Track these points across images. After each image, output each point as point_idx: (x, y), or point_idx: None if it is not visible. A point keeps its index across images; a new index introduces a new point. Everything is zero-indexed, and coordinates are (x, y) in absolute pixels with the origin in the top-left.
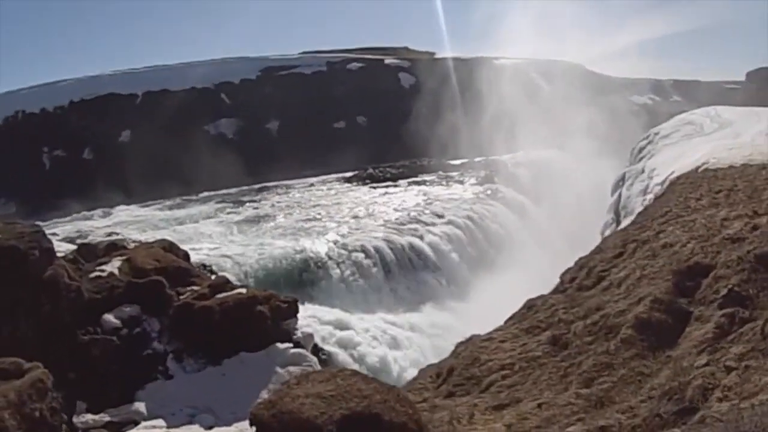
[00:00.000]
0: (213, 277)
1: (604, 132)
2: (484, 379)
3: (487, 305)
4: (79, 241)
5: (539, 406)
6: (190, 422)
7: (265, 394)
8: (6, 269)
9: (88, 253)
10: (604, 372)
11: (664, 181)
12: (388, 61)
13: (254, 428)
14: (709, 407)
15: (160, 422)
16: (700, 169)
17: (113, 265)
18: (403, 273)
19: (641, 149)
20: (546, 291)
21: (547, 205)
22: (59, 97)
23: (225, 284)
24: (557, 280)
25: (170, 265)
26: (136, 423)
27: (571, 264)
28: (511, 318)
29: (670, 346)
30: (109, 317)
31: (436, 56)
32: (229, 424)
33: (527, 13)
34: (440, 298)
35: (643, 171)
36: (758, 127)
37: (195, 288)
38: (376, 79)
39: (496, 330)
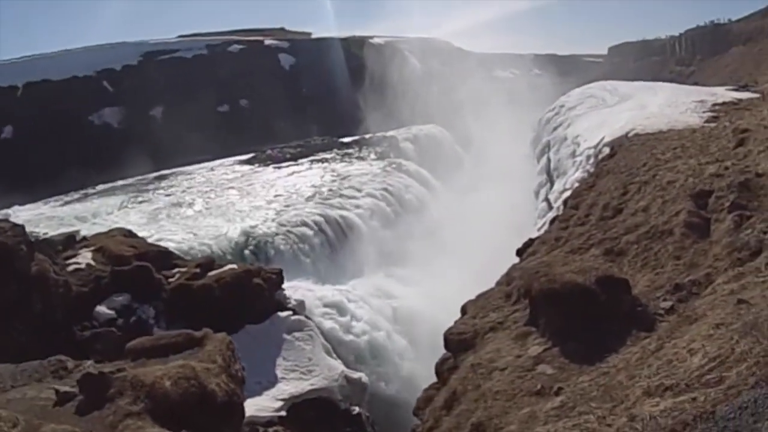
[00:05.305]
0: None
1: (473, 106)
2: None
3: (418, 268)
4: None
5: (655, 273)
6: None
7: (282, 362)
8: None
9: (47, 247)
10: (682, 252)
11: (597, 145)
12: (268, 42)
13: (530, 298)
14: None
15: None
16: (629, 134)
17: (85, 257)
18: (341, 244)
19: (549, 120)
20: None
21: (441, 175)
22: None
23: (212, 262)
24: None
25: (150, 250)
26: None
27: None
28: (531, 251)
29: (708, 235)
30: (102, 309)
31: (313, 36)
32: (258, 393)
33: None
34: (376, 265)
35: (566, 138)
36: (658, 100)
37: (182, 270)
38: (256, 60)
39: (536, 256)
